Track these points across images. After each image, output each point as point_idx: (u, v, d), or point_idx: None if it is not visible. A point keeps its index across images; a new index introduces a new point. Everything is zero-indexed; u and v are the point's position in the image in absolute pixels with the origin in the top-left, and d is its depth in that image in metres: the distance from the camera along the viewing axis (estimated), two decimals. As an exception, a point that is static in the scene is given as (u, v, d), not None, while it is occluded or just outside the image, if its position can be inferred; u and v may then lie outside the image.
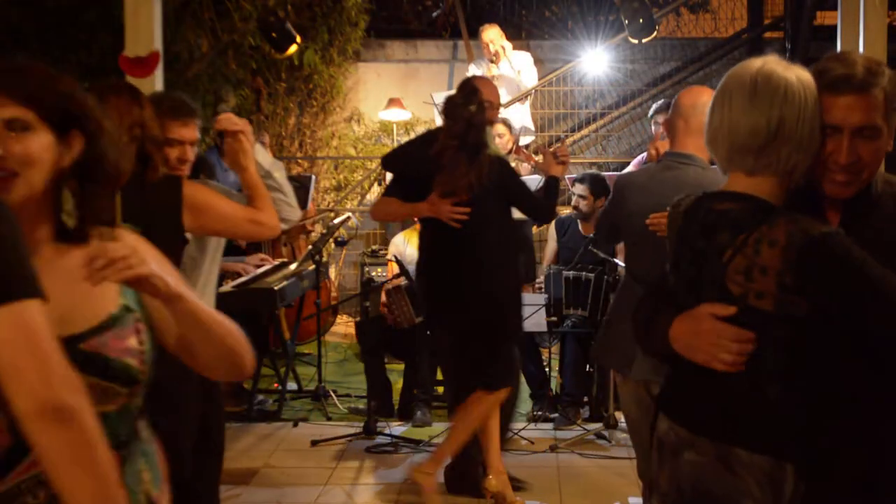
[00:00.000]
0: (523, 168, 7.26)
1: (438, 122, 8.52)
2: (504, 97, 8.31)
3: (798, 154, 1.90)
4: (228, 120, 3.12)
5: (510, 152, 7.40)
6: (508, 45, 8.11)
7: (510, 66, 8.04)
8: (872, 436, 1.92)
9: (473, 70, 8.31)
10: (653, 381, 3.18)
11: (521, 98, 8.21)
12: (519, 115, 7.94)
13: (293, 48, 7.17)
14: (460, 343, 4.29)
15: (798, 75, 1.92)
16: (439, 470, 4.33)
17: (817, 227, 1.84)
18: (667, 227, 2.12)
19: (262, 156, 3.24)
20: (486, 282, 4.18)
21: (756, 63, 1.97)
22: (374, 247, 7.19)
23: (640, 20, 7.18)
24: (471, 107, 4.15)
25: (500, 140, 7.45)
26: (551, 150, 4.40)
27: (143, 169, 2.81)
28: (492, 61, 8.11)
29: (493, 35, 7.95)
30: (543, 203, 4.36)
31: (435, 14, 10.57)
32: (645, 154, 7.04)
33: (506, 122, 7.55)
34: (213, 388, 3.14)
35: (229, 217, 3.05)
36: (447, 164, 4.15)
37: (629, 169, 6.92)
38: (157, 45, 5.32)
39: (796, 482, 1.87)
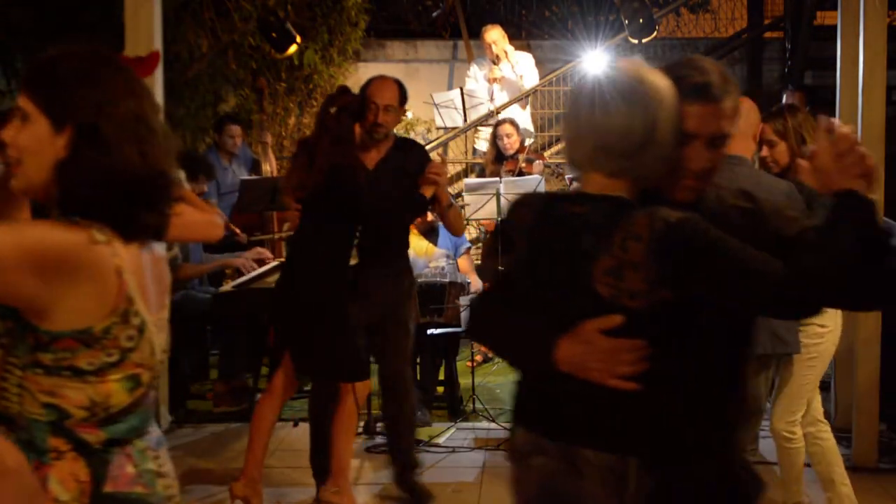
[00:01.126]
0: (535, 166, 7.27)
1: (438, 121, 8.55)
2: (504, 99, 8.34)
3: (662, 160, 1.91)
4: None
5: (517, 152, 7.41)
6: (511, 48, 8.11)
7: (512, 70, 8.03)
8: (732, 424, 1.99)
9: (475, 69, 8.32)
10: None
11: (520, 100, 8.20)
12: (519, 118, 7.95)
13: (293, 48, 7.17)
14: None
15: (666, 82, 1.95)
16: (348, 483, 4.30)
17: (674, 214, 1.83)
18: (502, 228, 2.10)
19: None
20: (299, 281, 4.21)
21: (627, 65, 1.98)
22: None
23: (640, 20, 7.20)
24: (330, 109, 4.18)
25: (508, 140, 7.46)
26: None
27: None
28: (494, 62, 8.11)
29: (495, 36, 7.95)
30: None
31: (435, 14, 10.56)
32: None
33: (513, 123, 7.55)
34: None
35: (194, 223, 2.77)
36: (292, 162, 4.41)
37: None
38: (157, 45, 5.32)
39: (640, 477, 1.86)
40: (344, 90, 4.35)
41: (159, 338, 1.79)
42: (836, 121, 1.94)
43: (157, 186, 1.74)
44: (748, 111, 3.59)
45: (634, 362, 1.84)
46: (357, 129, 4.23)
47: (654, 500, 1.87)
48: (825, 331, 3.95)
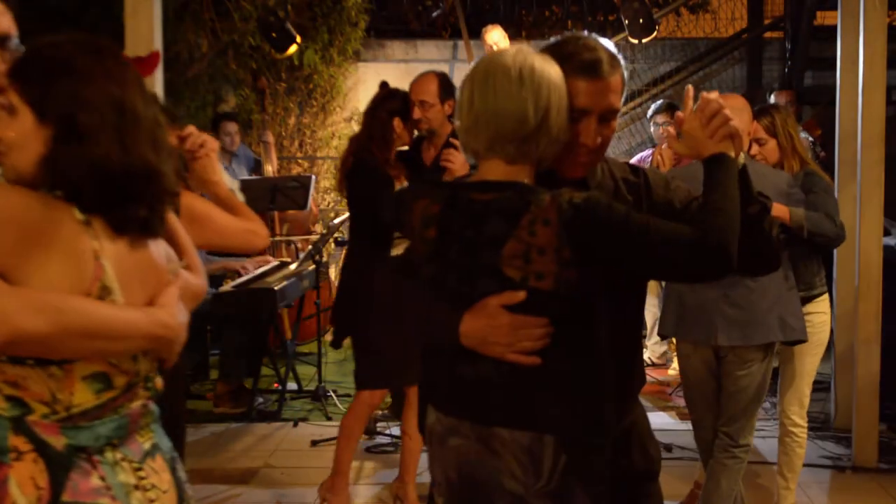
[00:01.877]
0: None
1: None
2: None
3: (556, 142, 1.98)
4: (193, 135, 2.83)
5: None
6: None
7: None
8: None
9: None
10: (738, 346, 3.57)
11: None
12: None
13: (293, 48, 7.17)
14: None
15: (554, 66, 1.99)
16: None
17: (577, 195, 1.89)
18: (413, 216, 2.07)
19: (224, 174, 3.13)
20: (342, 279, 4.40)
21: (516, 51, 2.00)
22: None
23: (640, 20, 7.19)
24: (371, 105, 4.39)
25: None
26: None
27: None
28: None
29: (496, 38, 7.92)
30: None
31: (435, 14, 10.56)
32: (647, 153, 7.05)
33: None
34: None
35: (227, 229, 2.78)
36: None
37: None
38: (157, 45, 5.32)
39: (556, 454, 1.90)
40: (383, 85, 4.45)
41: (159, 303, 1.76)
42: (706, 93, 2.05)
43: (141, 178, 1.70)
44: (741, 109, 3.62)
45: (536, 338, 1.90)
46: (398, 125, 4.30)
47: (569, 476, 1.91)
48: (827, 318, 4.05)
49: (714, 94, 2.05)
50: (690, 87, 2.10)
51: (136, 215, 1.71)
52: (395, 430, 5.41)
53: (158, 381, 1.85)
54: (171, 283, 1.83)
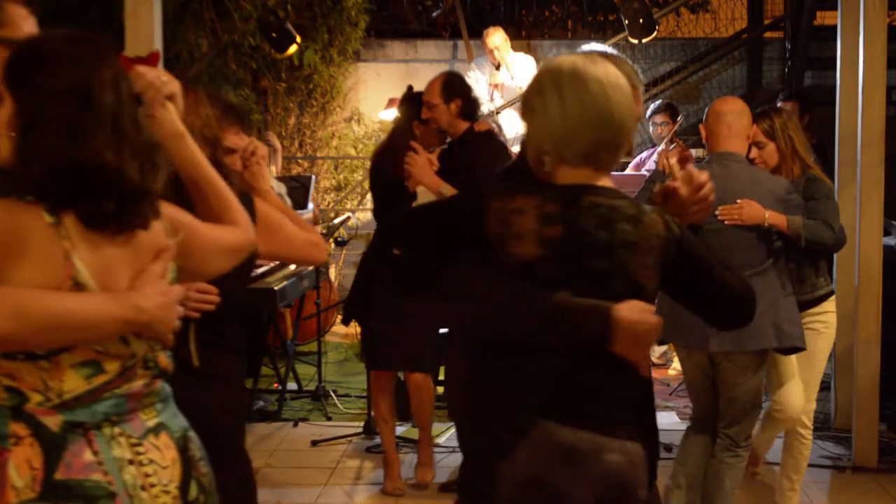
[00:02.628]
0: None
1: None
2: (499, 102, 8.32)
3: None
4: (246, 143, 2.75)
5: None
6: (512, 55, 8.04)
7: (510, 77, 7.99)
8: None
9: (475, 70, 8.30)
10: (733, 351, 3.55)
11: (515, 104, 8.17)
12: (516, 122, 7.93)
13: (293, 48, 7.17)
14: None
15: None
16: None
17: (677, 222, 2.07)
18: (517, 216, 2.02)
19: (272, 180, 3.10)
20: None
21: (595, 58, 2.05)
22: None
23: (640, 20, 7.19)
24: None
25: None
26: None
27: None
28: (495, 67, 8.07)
29: (497, 42, 7.89)
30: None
31: (435, 14, 10.55)
32: (647, 153, 7.05)
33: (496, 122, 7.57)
34: None
35: (295, 240, 2.70)
36: None
37: (629, 170, 6.92)
38: (157, 45, 5.32)
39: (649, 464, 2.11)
40: (408, 89, 4.61)
41: (133, 286, 1.76)
42: (696, 172, 2.19)
43: (93, 173, 1.68)
44: (741, 112, 3.64)
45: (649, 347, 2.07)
46: (417, 128, 4.43)
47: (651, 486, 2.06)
48: (834, 318, 4.09)
49: (706, 176, 2.17)
50: (671, 161, 2.24)
51: (105, 210, 1.70)
52: (396, 430, 5.41)
53: (163, 360, 1.86)
54: (158, 261, 1.80)
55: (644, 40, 7.54)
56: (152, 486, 1.78)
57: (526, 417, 1.97)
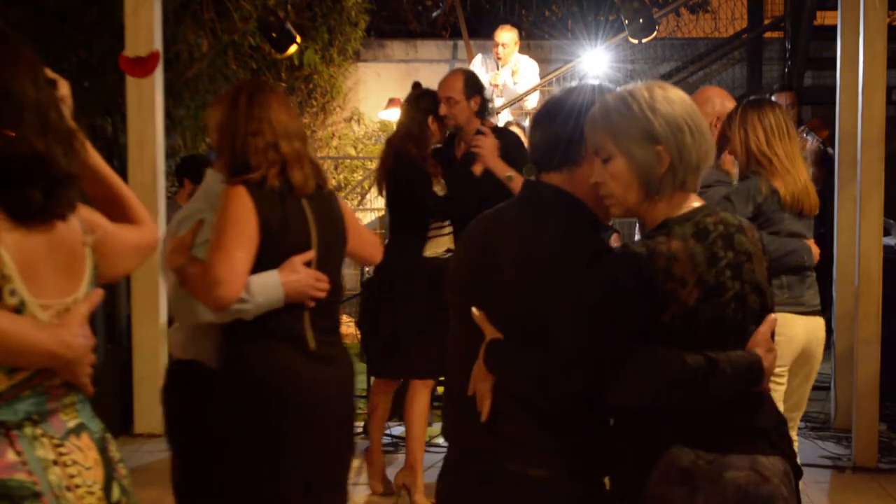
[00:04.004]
0: None
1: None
2: (502, 101, 8.32)
3: None
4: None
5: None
6: (519, 57, 8.02)
7: (512, 81, 7.97)
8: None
9: (478, 65, 8.30)
10: None
11: (514, 104, 8.16)
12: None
13: (293, 48, 7.16)
14: None
15: None
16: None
17: None
18: (675, 263, 1.92)
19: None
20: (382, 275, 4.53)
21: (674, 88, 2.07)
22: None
23: (640, 20, 7.17)
24: (404, 104, 4.53)
25: None
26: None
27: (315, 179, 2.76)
28: (497, 62, 8.07)
29: (506, 39, 7.86)
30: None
31: (435, 14, 10.56)
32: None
33: (519, 125, 7.54)
34: None
35: (367, 239, 3.00)
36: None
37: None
38: (157, 45, 5.32)
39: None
40: (415, 85, 4.60)
41: (61, 323, 1.77)
42: None
43: (26, 162, 1.71)
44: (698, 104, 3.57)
45: None
46: (432, 123, 4.44)
47: None
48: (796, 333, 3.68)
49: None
50: None
51: (32, 200, 1.72)
52: (396, 430, 5.41)
53: None
54: (85, 303, 1.82)
55: (644, 40, 7.53)
56: (77, 486, 1.77)
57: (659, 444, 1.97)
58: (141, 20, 5.27)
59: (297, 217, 2.68)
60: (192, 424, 2.79)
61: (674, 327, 1.90)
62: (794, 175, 3.61)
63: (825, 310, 3.98)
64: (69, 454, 1.78)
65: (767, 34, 10.06)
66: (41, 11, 6.71)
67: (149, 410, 5.46)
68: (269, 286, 2.60)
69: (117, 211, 2.01)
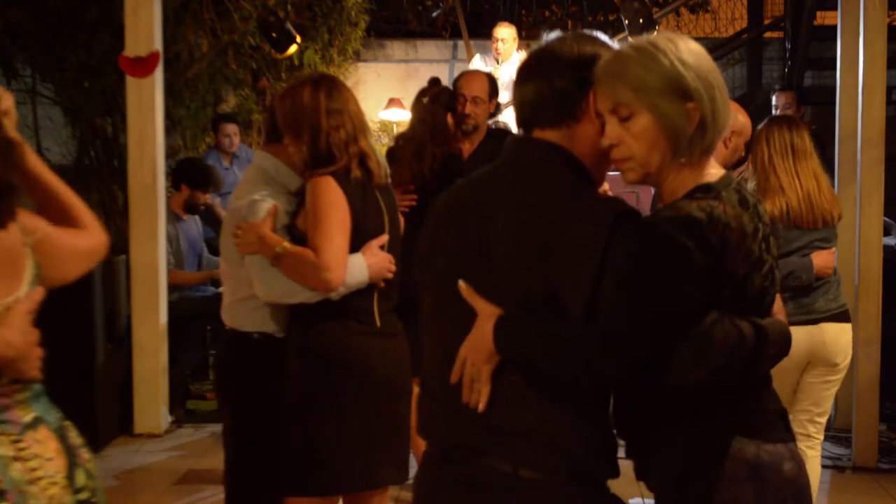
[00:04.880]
0: None
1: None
2: (503, 100, 8.32)
3: None
4: None
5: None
6: (517, 56, 8.04)
7: (510, 75, 7.99)
8: None
9: (478, 63, 8.31)
10: None
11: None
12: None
13: (293, 48, 7.16)
14: None
15: None
16: None
17: None
18: (730, 232, 1.77)
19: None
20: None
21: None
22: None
23: (640, 20, 7.18)
24: (423, 99, 4.38)
25: None
26: None
27: (368, 173, 2.92)
28: (496, 59, 8.08)
29: (505, 34, 7.90)
30: None
31: (435, 14, 10.56)
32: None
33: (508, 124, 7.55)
34: None
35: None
36: (398, 156, 4.39)
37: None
38: (157, 45, 5.32)
39: None
40: (435, 81, 4.58)
41: (1, 322, 1.80)
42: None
43: None
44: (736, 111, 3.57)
45: None
46: (450, 120, 4.40)
47: None
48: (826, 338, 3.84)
49: None
50: None
51: None
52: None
53: None
54: (27, 301, 1.85)
55: (644, 40, 7.53)
56: (40, 479, 1.81)
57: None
58: (141, 20, 5.27)
59: (375, 205, 2.90)
60: (260, 391, 2.96)
61: (723, 299, 1.74)
62: (791, 192, 3.71)
63: None
64: (28, 448, 1.81)
65: (767, 34, 10.06)
66: (41, 11, 6.70)
67: (149, 410, 5.46)
68: (358, 268, 2.81)
69: (61, 216, 2.00)
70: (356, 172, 2.84)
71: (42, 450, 1.83)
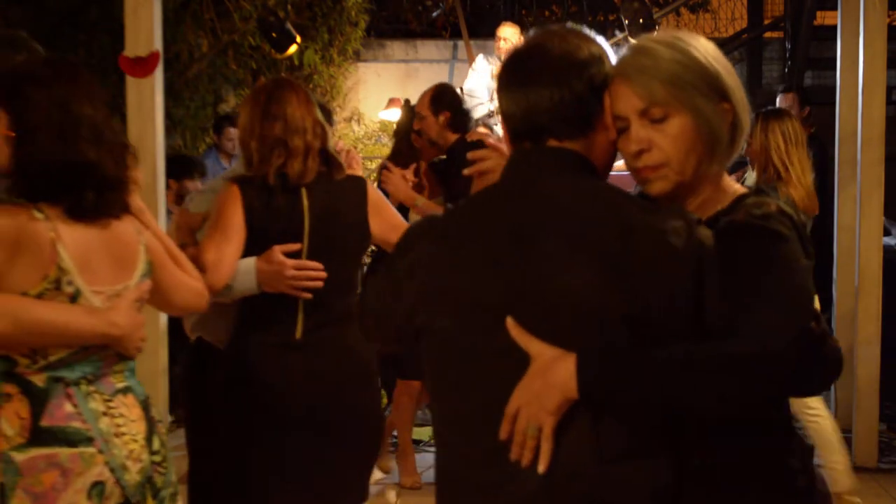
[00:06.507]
0: None
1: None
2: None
3: None
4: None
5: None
6: None
7: None
8: None
9: (481, 63, 8.32)
10: None
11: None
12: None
13: (293, 48, 7.16)
14: None
15: None
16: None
17: None
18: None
19: None
20: None
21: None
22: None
23: (640, 20, 7.18)
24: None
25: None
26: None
27: (329, 169, 2.82)
28: (500, 59, 8.09)
29: (508, 33, 7.91)
30: None
31: (435, 14, 10.56)
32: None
33: (487, 125, 7.55)
34: None
35: (396, 224, 2.93)
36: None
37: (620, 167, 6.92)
38: (157, 45, 5.32)
39: None
40: (405, 104, 4.86)
41: (111, 306, 2.09)
42: None
43: (80, 168, 2.03)
44: None
45: None
46: (414, 139, 4.61)
47: None
48: None
49: None
50: None
51: (86, 201, 2.05)
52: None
53: None
54: (136, 290, 2.16)
55: (644, 40, 7.53)
56: (123, 434, 2.10)
57: None
58: (141, 20, 5.26)
59: (291, 210, 2.73)
60: (195, 400, 2.98)
61: None
62: (801, 181, 3.87)
63: (825, 310, 4.05)
64: (116, 408, 2.11)
65: (767, 34, 10.06)
66: (41, 11, 6.71)
67: (149, 410, 5.46)
68: (244, 273, 2.69)
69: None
70: (270, 176, 2.71)
71: (128, 412, 2.13)
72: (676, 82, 1.60)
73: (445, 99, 4.51)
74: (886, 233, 5.55)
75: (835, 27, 5.41)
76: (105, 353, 2.11)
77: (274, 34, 6.99)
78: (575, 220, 1.56)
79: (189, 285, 2.37)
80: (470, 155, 1.89)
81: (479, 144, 4.59)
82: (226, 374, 2.77)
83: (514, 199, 1.62)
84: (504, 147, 1.78)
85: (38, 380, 2.02)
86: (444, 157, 4.55)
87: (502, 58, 8.32)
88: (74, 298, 2.03)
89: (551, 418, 1.50)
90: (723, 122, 1.63)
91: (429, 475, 4.70)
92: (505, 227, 1.59)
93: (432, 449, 5.06)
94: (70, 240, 2.03)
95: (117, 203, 2.12)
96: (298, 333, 2.73)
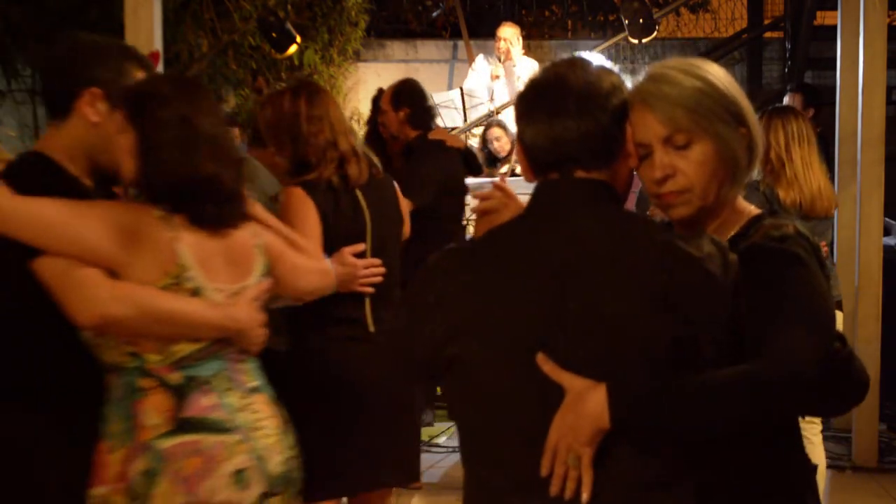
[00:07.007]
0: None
1: (438, 121, 8.53)
2: (503, 99, 8.33)
3: None
4: None
5: (509, 154, 7.40)
6: (520, 58, 8.04)
7: (513, 74, 7.98)
8: None
9: (481, 63, 8.31)
10: None
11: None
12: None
13: (293, 48, 7.17)
14: None
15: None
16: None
17: None
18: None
19: None
20: None
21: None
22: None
23: (640, 20, 7.19)
24: None
25: (497, 143, 7.45)
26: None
27: (370, 168, 2.99)
28: (499, 59, 8.09)
29: (508, 34, 7.91)
30: None
31: (435, 14, 10.56)
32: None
33: (501, 125, 7.55)
34: None
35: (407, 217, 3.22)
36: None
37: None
38: (157, 45, 5.32)
39: None
40: (377, 91, 4.90)
41: (232, 302, 2.16)
42: None
43: (201, 182, 2.11)
44: None
45: None
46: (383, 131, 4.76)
47: None
48: None
49: None
50: None
51: (206, 211, 2.14)
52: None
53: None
54: (257, 288, 2.24)
55: (644, 40, 7.54)
56: (261, 428, 2.16)
57: None
58: (141, 20, 5.26)
59: (353, 209, 2.92)
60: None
61: None
62: (803, 181, 3.79)
63: None
64: (253, 404, 2.18)
65: (767, 34, 10.05)
66: (41, 11, 6.70)
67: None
68: None
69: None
70: (334, 179, 2.88)
71: (263, 409, 2.19)
72: (698, 109, 1.65)
73: (405, 95, 4.60)
74: (886, 233, 5.55)
75: (835, 27, 5.41)
76: (228, 351, 2.17)
77: (274, 34, 7.00)
78: (613, 251, 1.58)
79: (312, 267, 2.47)
80: (474, 195, 1.90)
81: (440, 144, 4.67)
82: (310, 373, 2.87)
83: (547, 232, 1.63)
84: (508, 187, 1.80)
85: (174, 378, 2.09)
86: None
87: (501, 58, 8.36)
88: (196, 294, 2.10)
89: (587, 449, 1.53)
90: (741, 146, 1.68)
91: (429, 475, 4.70)
92: (540, 259, 1.60)
93: (432, 449, 5.10)
94: (191, 242, 2.11)
95: (235, 214, 2.21)
96: (371, 327, 2.91)
